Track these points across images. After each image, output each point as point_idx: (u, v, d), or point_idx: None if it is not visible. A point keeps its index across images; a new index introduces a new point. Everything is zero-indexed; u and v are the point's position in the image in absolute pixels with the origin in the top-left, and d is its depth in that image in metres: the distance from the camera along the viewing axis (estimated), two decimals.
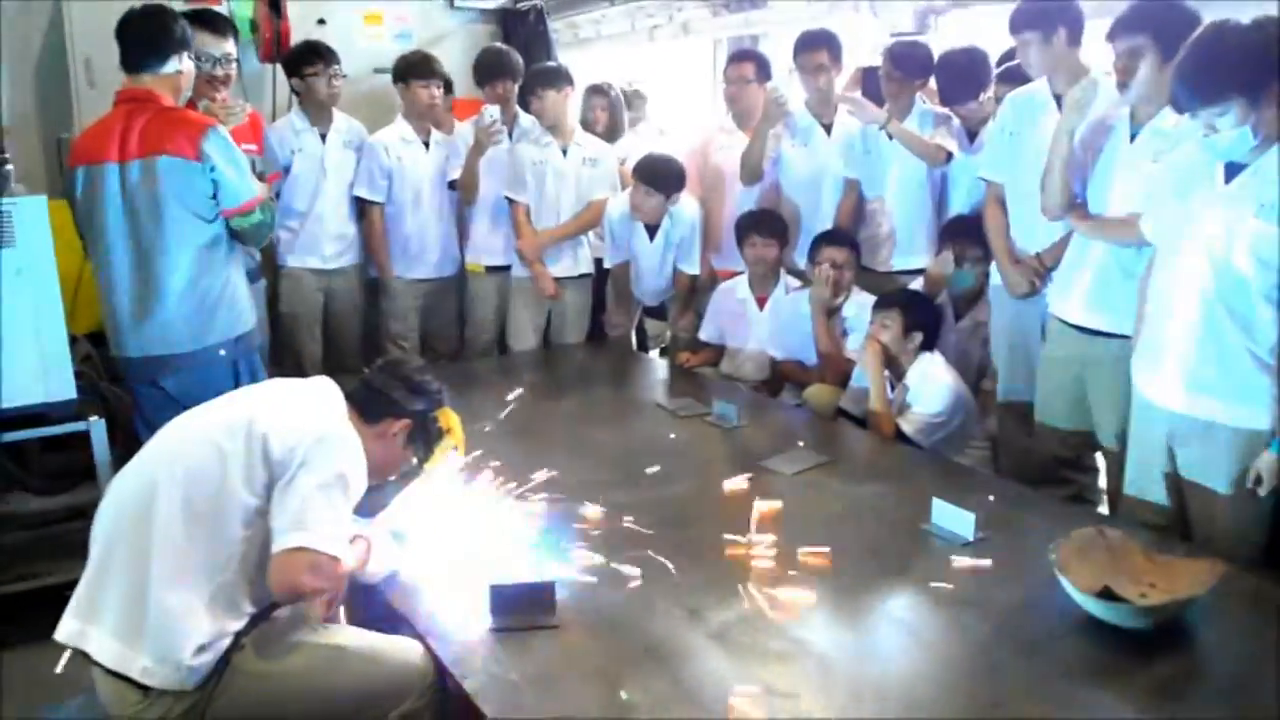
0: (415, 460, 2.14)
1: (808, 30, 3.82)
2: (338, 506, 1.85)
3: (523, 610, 1.94)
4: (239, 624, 1.84)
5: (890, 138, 3.58)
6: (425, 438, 2.13)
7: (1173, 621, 1.86)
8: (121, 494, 1.92)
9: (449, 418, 2.17)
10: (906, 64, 3.61)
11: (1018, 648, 1.86)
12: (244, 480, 1.84)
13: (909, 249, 3.69)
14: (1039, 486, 2.95)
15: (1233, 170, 2.20)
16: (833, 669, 1.81)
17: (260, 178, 3.26)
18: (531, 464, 2.62)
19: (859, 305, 3.51)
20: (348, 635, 1.96)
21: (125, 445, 3.00)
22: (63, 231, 2.99)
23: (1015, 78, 3.27)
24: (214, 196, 2.85)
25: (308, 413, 1.94)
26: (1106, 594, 1.91)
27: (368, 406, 2.05)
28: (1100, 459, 2.98)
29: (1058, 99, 2.91)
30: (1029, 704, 1.69)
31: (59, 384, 3.00)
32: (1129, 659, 1.79)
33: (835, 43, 3.78)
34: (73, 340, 3.12)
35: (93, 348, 3.37)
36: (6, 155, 3.15)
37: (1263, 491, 2.19)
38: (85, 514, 3.24)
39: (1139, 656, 1.79)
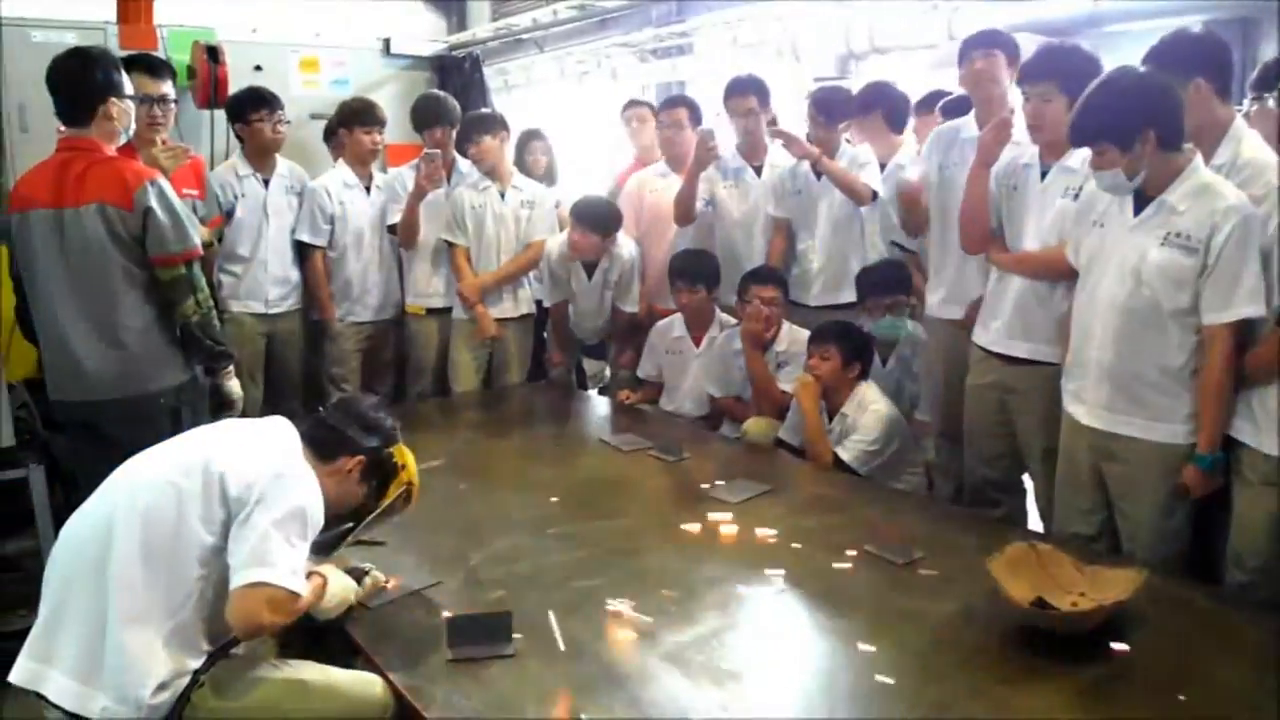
0: (369, 497, 2.16)
1: (737, 76, 3.94)
2: (295, 542, 1.86)
3: (480, 640, 1.96)
4: (197, 662, 1.84)
5: (819, 176, 3.72)
6: (380, 474, 2.15)
7: (1102, 627, 1.96)
8: (77, 536, 1.91)
9: (404, 454, 2.20)
10: (830, 108, 3.76)
11: (958, 657, 1.95)
12: (202, 519, 1.85)
13: (838, 284, 3.79)
14: (971, 508, 3.08)
15: (1141, 203, 2.37)
16: (786, 685, 1.88)
17: (201, 223, 3.24)
18: (479, 501, 2.65)
19: (791, 339, 3.60)
20: (307, 670, 1.95)
21: (64, 493, 2.95)
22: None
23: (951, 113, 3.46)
24: None
25: (264, 451, 1.95)
26: (1040, 604, 2.01)
27: (322, 444, 2.07)
28: (1028, 480, 3.11)
29: None
30: (971, 708, 1.78)
31: None
32: (1062, 663, 1.88)
33: (764, 88, 3.91)
34: (9, 388, 3.08)
35: (28, 395, 3.31)
36: None
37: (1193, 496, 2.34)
38: (18, 564, 3.19)
39: (1071, 661, 1.89)
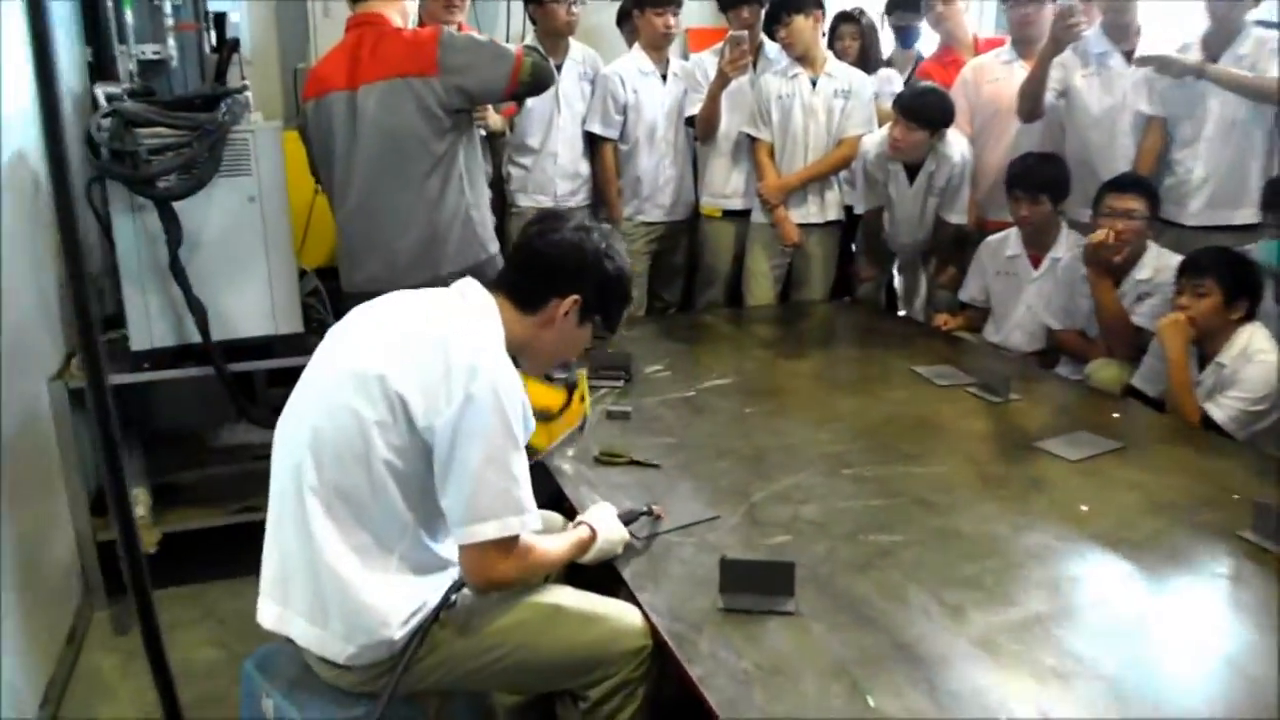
0: (596, 333, 1.89)
1: None
2: (511, 469, 1.62)
3: (757, 591, 1.77)
4: (437, 580, 1.70)
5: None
6: (603, 306, 1.83)
7: None
8: (277, 464, 1.75)
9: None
10: None
11: None
12: (394, 451, 1.63)
13: (1228, 201, 3.23)
14: None
15: None
16: (1126, 695, 1.53)
17: (495, 111, 3.20)
18: (767, 429, 2.45)
19: (1157, 267, 3.08)
20: (563, 595, 1.80)
21: None
22: (296, 165, 3.00)
23: None
24: (457, 111, 2.75)
25: (443, 356, 1.64)
26: None
27: (522, 295, 1.79)
28: None
29: None
30: None
31: (287, 317, 3.03)
32: None
33: None
34: (301, 274, 3.15)
35: (319, 282, 3.41)
36: (246, 83, 3.21)
37: None
38: None
39: None
